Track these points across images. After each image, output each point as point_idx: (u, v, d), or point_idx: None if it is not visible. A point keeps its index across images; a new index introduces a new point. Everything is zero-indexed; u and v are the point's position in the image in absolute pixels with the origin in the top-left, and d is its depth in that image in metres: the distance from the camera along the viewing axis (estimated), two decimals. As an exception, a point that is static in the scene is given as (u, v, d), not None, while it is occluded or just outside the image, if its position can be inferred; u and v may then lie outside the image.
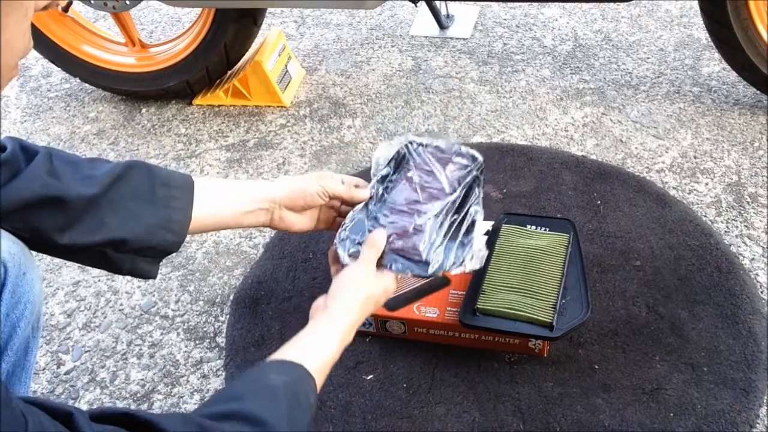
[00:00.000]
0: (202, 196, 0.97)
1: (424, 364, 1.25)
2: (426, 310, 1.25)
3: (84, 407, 1.29)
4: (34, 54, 2.35)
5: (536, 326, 1.16)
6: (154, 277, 0.97)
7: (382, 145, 1.18)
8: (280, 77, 2.02)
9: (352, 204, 1.10)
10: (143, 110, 2.08)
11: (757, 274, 1.38)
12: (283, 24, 2.41)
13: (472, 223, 1.08)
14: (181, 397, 1.29)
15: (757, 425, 1.14)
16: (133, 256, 0.92)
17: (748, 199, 1.55)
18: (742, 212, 1.52)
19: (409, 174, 1.14)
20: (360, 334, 1.30)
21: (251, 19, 1.89)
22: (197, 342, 1.39)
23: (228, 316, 1.41)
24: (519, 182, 1.62)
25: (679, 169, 1.65)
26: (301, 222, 1.08)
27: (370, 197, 1.11)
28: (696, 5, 1.77)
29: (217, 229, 1.03)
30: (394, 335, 1.29)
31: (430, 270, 1.02)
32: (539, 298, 1.19)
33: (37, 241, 0.88)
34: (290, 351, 0.85)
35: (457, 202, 1.10)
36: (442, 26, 2.26)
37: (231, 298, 1.46)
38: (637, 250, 1.42)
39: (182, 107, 2.07)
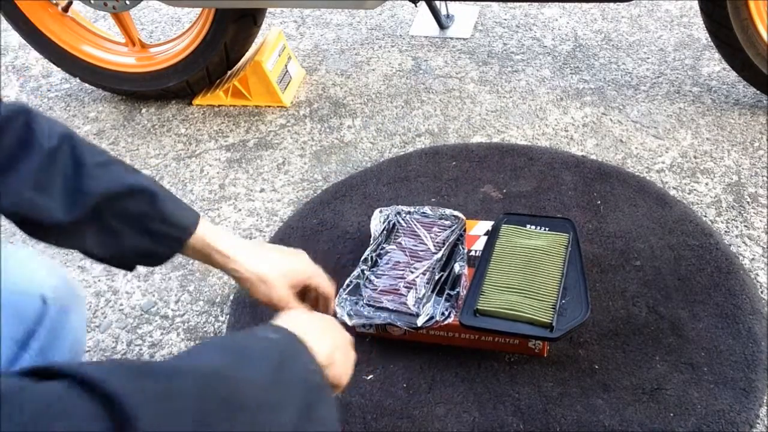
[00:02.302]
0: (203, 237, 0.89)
1: (424, 364, 1.25)
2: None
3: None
4: (34, 54, 2.35)
5: (536, 327, 1.16)
6: (132, 270, 0.92)
7: (375, 215, 1.41)
8: (280, 77, 2.02)
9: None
10: (143, 110, 2.08)
11: (757, 274, 1.38)
12: (283, 24, 2.41)
13: (458, 278, 1.24)
14: (181, 397, 1.29)
15: (757, 425, 1.14)
16: (103, 261, 0.88)
17: (748, 199, 1.55)
18: (742, 212, 1.52)
19: (399, 239, 1.34)
20: (360, 335, 1.30)
21: (251, 19, 1.89)
22: (197, 342, 1.39)
23: (228, 316, 1.41)
24: (519, 182, 1.62)
25: (679, 169, 1.65)
26: (277, 296, 0.98)
27: (366, 259, 1.30)
28: (696, 5, 1.77)
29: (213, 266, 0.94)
30: (394, 336, 1.29)
31: (420, 322, 1.18)
32: (539, 298, 1.19)
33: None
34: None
35: (443, 260, 1.28)
36: (442, 26, 2.26)
37: (231, 298, 1.46)
38: (637, 250, 1.42)
39: (182, 107, 2.07)
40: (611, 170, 1.63)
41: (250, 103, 2.04)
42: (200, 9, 1.92)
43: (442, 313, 1.19)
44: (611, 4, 2.25)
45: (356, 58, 2.20)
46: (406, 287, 1.24)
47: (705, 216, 1.52)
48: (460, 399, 1.19)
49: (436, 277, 1.25)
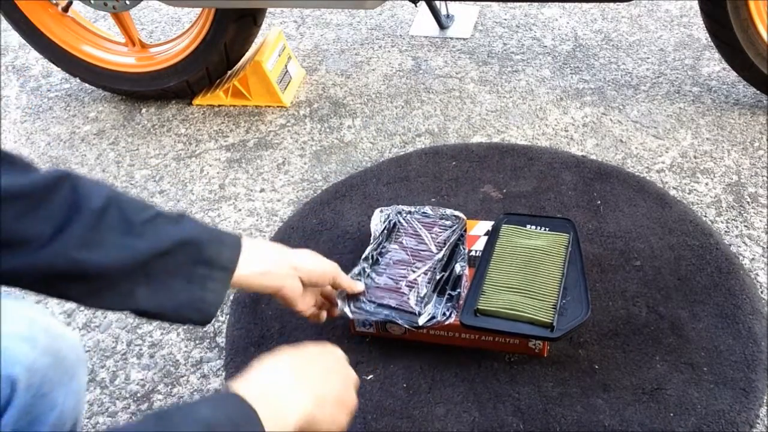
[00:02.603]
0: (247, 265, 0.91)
1: (424, 364, 1.25)
2: (426, 310, 1.25)
3: (84, 407, 1.29)
4: (34, 54, 2.35)
5: (536, 327, 1.15)
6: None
7: (375, 214, 1.40)
8: (280, 77, 2.02)
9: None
10: (143, 110, 2.08)
11: (757, 274, 1.38)
12: (283, 24, 2.41)
13: (458, 278, 1.25)
14: (181, 397, 1.29)
15: (757, 425, 1.14)
16: (160, 320, 0.87)
17: (748, 199, 1.55)
18: (742, 212, 1.52)
19: (400, 239, 1.34)
20: (360, 335, 1.30)
21: (251, 19, 1.89)
22: (197, 342, 1.39)
23: (228, 316, 1.41)
24: (519, 182, 1.62)
25: (679, 169, 1.65)
26: (306, 298, 1.07)
27: (367, 257, 1.30)
28: (696, 5, 1.78)
29: (236, 287, 0.95)
30: (394, 335, 1.29)
31: (421, 321, 1.18)
32: (539, 298, 1.19)
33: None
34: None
35: (444, 260, 1.28)
36: (442, 26, 2.26)
37: (231, 298, 1.46)
38: (637, 250, 1.42)
39: (182, 107, 2.07)
40: (611, 170, 1.63)
41: (250, 103, 2.04)
42: (200, 9, 1.93)
43: (444, 313, 1.19)
44: (611, 4, 2.25)
45: (356, 58, 2.20)
46: (407, 286, 1.24)
47: (705, 216, 1.52)
48: (460, 399, 1.19)
49: (437, 277, 1.25)
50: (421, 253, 1.31)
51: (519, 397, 1.18)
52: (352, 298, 1.22)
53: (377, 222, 1.40)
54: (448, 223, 1.37)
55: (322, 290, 1.13)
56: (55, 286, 0.75)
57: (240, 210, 1.69)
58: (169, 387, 1.31)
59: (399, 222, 1.39)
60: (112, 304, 0.79)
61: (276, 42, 2.05)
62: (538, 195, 1.58)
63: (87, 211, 0.75)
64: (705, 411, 1.13)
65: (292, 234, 1.56)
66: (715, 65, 1.97)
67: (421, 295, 1.22)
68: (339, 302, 1.18)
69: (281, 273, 0.97)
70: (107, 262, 0.76)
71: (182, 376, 1.33)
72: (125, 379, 1.34)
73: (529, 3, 2.26)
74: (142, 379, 1.33)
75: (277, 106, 2.02)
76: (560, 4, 2.25)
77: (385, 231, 1.36)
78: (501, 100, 1.95)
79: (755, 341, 1.23)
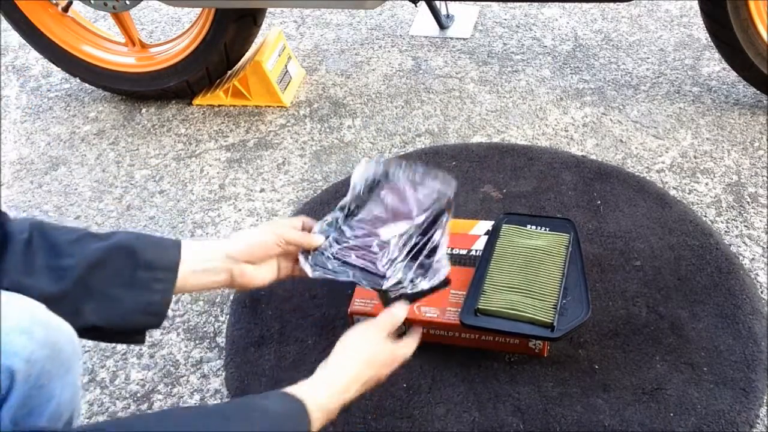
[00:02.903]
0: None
1: (424, 364, 1.25)
2: (426, 310, 1.25)
3: (84, 407, 1.29)
4: (34, 54, 2.35)
5: (537, 327, 1.16)
6: (142, 343, 0.95)
7: (362, 163, 1.21)
8: (280, 77, 2.02)
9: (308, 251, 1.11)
10: (143, 110, 2.08)
11: (757, 274, 1.38)
12: (283, 24, 2.41)
13: (435, 248, 1.11)
14: (181, 397, 1.29)
15: (757, 425, 1.14)
16: (115, 335, 0.90)
17: (748, 199, 1.55)
18: (742, 212, 1.52)
19: (382, 194, 1.18)
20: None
21: (251, 19, 1.89)
22: (197, 342, 1.39)
23: (228, 316, 1.41)
24: (519, 182, 1.62)
25: (679, 169, 1.65)
26: (262, 274, 1.06)
27: (343, 207, 1.15)
28: (696, 5, 1.77)
29: (178, 292, 0.98)
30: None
31: (386, 284, 1.06)
32: (540, 298, 1.19)
33: None
34: (294, 387, 0.87)
35: (423, 226, 1.13)
36: (442, 26, 2.26)
37: (231, 298, 1.46)
38: (637, 250, 1.42)
39: (182, 107, 2.07)
40: (611, 170, 1.63)
41: (250, 103, 2.04)
42: (200, 9, 1.92)
43: (411, 280, 1.08)
44: (611, 4, 2.25)
45: (356, 58, 2.20)
46: (378, 246, 1.11)
47: (705, 216, 1.52)
48: (460, 399, 1.19)
49: (413, 242, 1.12)
50: (401, 213, 1.16)
51: (519, 397, 1.18)
52: (314, 253, 1.10)
53: (361, 172, 1.22)
54: (437, 186, 1.19)
55: (285, 250, 1.08)
56: None
57: (240, 210, 1.69)
58: (169, 387, 1.31)
59: (384, 176, 1.22)
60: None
61: (276, 42, 2.05)
62: (538, 195, 1.58)
63: (17, 242, 0.81)
64: (705, 411, 1.13)
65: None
66: (715, 65, 1.97)
67: (392, 257, 1.10)
68: (300, 258, 1.09)
69: (223, 266, 0.99)
70: (41, 286, 0.80)
71: (182, 376, 1.33)
72: (125, 379, 1.34)
73: (529, 3, 2.26)
74: (142, 379, 1.33)
75: (277, 106, 2.02)
76: (560, 4, 2.25)
77: (369, 183, 1.20)
78: (501, 100, 1.95)
79: (755, 341, 1.23)
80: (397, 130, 1.88)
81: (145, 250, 0.89)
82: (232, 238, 1.04)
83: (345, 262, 1.09)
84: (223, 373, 1.31)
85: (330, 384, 0.89)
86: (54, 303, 0.81)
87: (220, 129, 1.97)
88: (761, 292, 1.34)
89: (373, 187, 1.19)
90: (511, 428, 1.14)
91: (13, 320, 0.77)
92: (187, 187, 1.79)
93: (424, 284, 1.07)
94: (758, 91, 1.80)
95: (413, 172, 1.21)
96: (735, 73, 1.78)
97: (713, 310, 1.29)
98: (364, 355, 0.94)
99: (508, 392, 1.19)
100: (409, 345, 1.02)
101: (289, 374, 1.26)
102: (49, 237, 0.84)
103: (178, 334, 1.41)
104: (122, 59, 2.05)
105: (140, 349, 1.39)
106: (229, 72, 2.05)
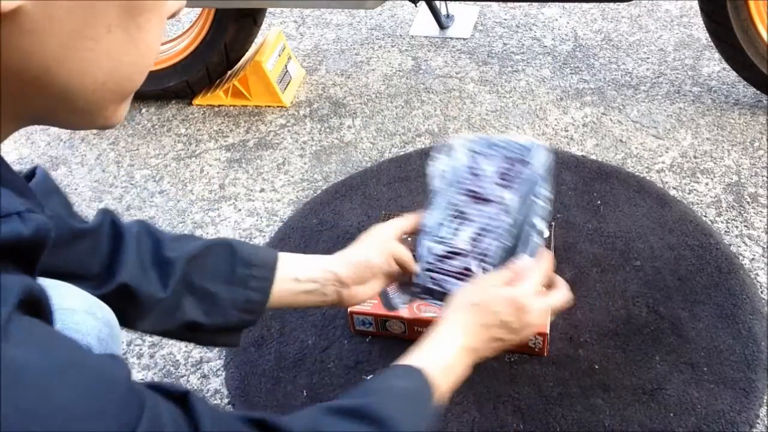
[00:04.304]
0: (284, 271, 0.91)
1: (424, 364, 1.25)
2: (426, 310, 1.25)
3: None
4: (34, 54, 2.35)
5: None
6: (237, 345, 0.93)
7: (444, 155, 1.04)
8: (280, 77, 2.02)
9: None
10: (143, 110, 2.08)
11: (757, 274, 1.38)
12: (283, 24, 2.41)
13: (534, 249, 0.95)
14: (181, 397, 1.29)
15: (757, 425, 1.14)
16: (211, 334, 0.89)
17: (748, 199, 1.55)
18: (742, 212, 1.52)
19: (471, 187, 1.01)
20: (360, 334, 1.30)
21: (251, 19, 1.89)
22: (195, 344, 1.39)
23: (228, 316, 1.41)
24: (519, 182, 1.62)
25: (679, 169, 1.65)
26: (370, 289, 0.98)
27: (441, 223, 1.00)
28: (696, 5, 1.77)
29: (288, 308, 0.96)
30: (394, 335, 1.29)
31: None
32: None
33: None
34: (412, 356, 0.80)
35: (516, 224, 0.97)
36: (442, 26, 2.26)
37: (231, 298, 1.45)
38: (637, 250, 1.42)
39: (182, 107, 2.07)
40: (611, 170, 1.63)
41: (250, 103, 2.04)
42: (200, 9, 1.93)
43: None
44: (611, 4, 2.25)
45: (356, 58, 2.20)
46: (475, 259, 0.97)
47: (705, 216, 1.52)
48: (460, 399, 1.19)
49: (509, 245, 0.96)
50: (492, 216, 0.99)
51: (519, 397, 1.18)
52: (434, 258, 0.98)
53: (444, 168, 1.03)
54: (528, 170, 0.99)
55: (393, 270, 0.98)
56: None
57: (240, 210, 1.69)
58: (169, 387, 1.31)
59: (472, 163, 1.03)
60: (162, 323, 0.84)
61: (276, 42, 2.05)
62: (538, 195, 1.58)
63: (130, 237, 0.83)
64: (705, 411, 1.13)
65: (292, 234, 1.56)
66: (715, 65, 1.97)
67: (491, 265, 0.96)
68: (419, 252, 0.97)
69: (331, 287, 0.92)
70: (155, 287, 0.82)
71: (182, 376, 1.33)
72: (125, 379, 1.34)
73: (529, 3, 2.26)
74: (142, 379, 1.33)
75: (277, 106, 2.02)
76: (560, 4, 2.25)
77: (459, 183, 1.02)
78: (501, 100, 1.95)
79: (755, 341, 1.23)
80: (397, 130, 1.88)
81: (242, 247, 0.89)
82: (337, 258, 0.95)
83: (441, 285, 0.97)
84: (223, 373, 1.31)
85: (438, 342, 0.82)
86: (162, 304, 0.82)
87: (220, 129, 1.97)
88: (761, 292, 1.34)
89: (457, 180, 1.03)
90: (511, 428, 1.14)
91: (79, 303, 0.81)
92: (187, 187, 1.79)
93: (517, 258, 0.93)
94: (758, 91, 1.80)
95: (504, 148, 1.02)
96: (735, 73, 1.78)
97: (713, 310, 1.29)
98: (467, 300, 0.85)
99: (508, 392, 1.19)
100: (553, 295, 0.91)
101: (289, 374, 1.26)
102: (154, 234, 0.85)
103: (178, 334, 1.41)
104: (122, 59, 2.05)
105: (140, 349, 1.39)
106: (229, 72, 2.05)
